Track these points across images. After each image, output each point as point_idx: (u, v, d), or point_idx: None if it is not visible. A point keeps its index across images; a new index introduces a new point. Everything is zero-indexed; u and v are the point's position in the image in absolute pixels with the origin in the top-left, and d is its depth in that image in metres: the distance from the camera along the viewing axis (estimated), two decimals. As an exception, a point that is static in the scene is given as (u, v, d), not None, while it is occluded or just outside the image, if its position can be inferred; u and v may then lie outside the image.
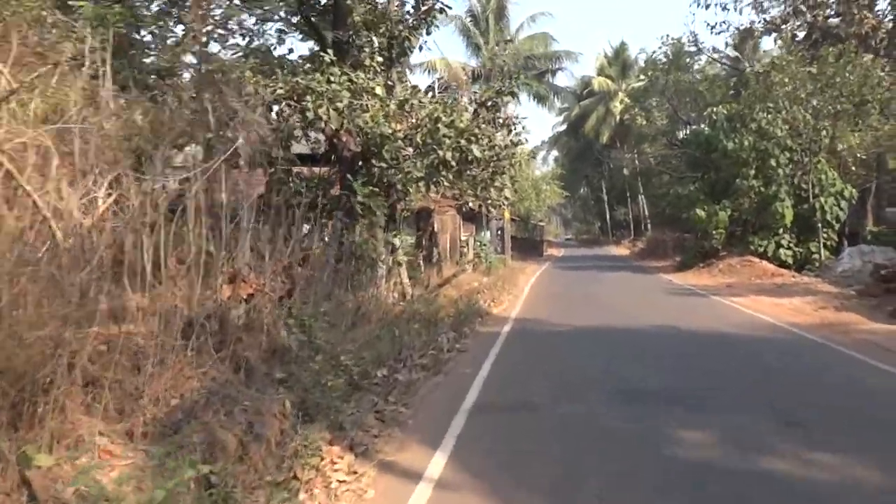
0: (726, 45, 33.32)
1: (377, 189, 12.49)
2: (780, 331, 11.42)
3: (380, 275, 12.19)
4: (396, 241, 14.97)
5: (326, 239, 11.21)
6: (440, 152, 11.77)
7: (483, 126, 12.89)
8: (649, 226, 53.03)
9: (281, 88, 11.89)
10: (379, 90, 12.61)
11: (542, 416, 6.43)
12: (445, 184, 12.91)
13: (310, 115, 11.79)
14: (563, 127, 69.82)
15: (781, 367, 8.38)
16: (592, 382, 7.67)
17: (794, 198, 23.92)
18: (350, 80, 12.14)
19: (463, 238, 26.23)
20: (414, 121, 12.83)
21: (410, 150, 12.58)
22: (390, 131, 12.53)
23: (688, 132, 34.84)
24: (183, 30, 11.09)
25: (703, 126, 26.34)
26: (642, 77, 39.83)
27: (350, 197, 12.59)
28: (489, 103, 13.57)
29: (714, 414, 6.28)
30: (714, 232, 24.58)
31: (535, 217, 53.00)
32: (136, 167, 6.58)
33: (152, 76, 10.52)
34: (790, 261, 23.67)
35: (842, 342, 10.13)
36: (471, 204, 14.97)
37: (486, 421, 6.34)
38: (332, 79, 12.02)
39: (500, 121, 13.95)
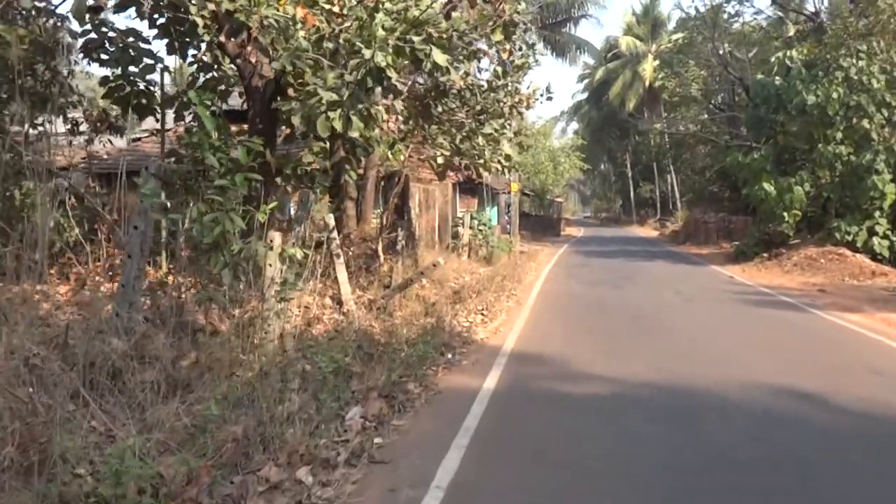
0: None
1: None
2: None
3: (267, 282, 6.68)
4: (330, 220, 9.67)
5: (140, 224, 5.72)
6: (366, 53, 6.15)
7: (457, 22, 7.31)
8: (679, 204, 47.04)
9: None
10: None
11: None
12: (395, 123, 7.36)
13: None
14: (585, 95, 63.95)
15: None
16: None
17: (893, 170, 18.11)
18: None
19: (459, 215, 20.69)
20: (337, 9, 7.28)
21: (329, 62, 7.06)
22: (293, 26, 7.04)
23: (739, 92, 28.90)
24: None
25: (773, 77, 20.28)
26: (681, 34, 33.72)
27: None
28: (472, -14, 7.92)
29: None
30: (786, 214, 18.70)
31: (552, 193, 47.14)
32: None
33: None
34: (885, 253, 17.93)
35: None
36: (439, 160, 9.31)
37: None
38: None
39: (494, 24, 8.28)
